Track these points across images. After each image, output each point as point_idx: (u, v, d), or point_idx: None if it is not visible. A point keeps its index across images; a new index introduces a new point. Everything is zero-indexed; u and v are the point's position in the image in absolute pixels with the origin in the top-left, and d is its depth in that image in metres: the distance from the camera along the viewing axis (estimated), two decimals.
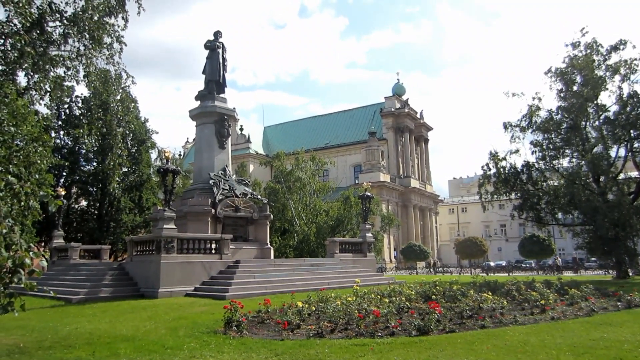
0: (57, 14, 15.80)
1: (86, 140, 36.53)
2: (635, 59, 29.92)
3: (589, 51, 31.07)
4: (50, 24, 15.98)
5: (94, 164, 39.10)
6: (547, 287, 15.98)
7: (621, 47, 30.17)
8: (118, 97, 38.42)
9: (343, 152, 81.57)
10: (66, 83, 17.38)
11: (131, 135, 41.08)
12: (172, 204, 20.24)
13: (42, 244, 36.74)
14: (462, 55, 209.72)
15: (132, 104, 40.12)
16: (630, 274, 31.21)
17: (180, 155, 67.14)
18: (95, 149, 37.84)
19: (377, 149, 73.21)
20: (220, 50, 27.41)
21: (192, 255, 19.97)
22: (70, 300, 17.08)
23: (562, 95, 32.17)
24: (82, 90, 36.40)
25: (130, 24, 17.45)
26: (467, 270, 54.66)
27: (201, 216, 23.37)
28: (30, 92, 16.48)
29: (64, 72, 16.78)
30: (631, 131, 29.67)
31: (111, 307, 15.24)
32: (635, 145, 30.85)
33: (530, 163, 33.40)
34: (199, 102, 27.23)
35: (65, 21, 15.95)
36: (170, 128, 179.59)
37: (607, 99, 31.67)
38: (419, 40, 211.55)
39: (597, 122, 31.80)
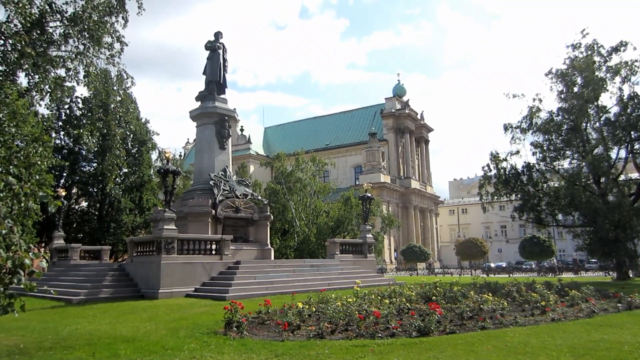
0: (57, 14, 15.82)
1: (87, 141, 36.61)
2: (636, 61, 29.88)
3: (589, 52, 31.04)
4: (51, 24, 16.01)
5: (94, 164, 39.13)
6: (547, 288, 15.95)
7: (622, 48, 30.15)
8: (118, 98, 38.48)
9: (343, 153, 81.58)
10: (66, 83, 17.40)
11: (132, 136, 41.12)
12: (172, 205, 20.24)
13: (43, 244, 36.76)
14: (462, 57, 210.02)
15: (132, 105, 40.15)
16: (631, 276, 31.16)
17: (180, 155, 67.13)
18: (96, 149, 37.89)
19: (378, 149, 73.21)
20: (220, 51, 27.42)
21: (192, 256, 19.96)
22: (71, 301, 17.08)
23: (562, 96, 32.14)
24: (82, 90, 36.44)
25: (131, 24, 17.50)
26: (467, 271, 54.57)
27: (201, 217, 23.36)
28: (31, 92, 16.50)
29: (65, 73, 16.81)
30: (632, 132, 29.65)
31: (111, 308, 15.23)
32: (636, 146, 30.83)
33: (531, 164, 33.38)
34: (199, 103, 27.24)
35: (65, 21, 15.97)
36: (171, 129, 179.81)
37: (608, 100, 31.68)
38: (420, 42, 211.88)
39: (597, 124, 31.77)
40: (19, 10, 14.30)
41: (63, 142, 38.38)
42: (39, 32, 15.51)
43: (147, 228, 38.37)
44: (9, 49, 15.00)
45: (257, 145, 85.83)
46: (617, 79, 30.58)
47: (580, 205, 29.39)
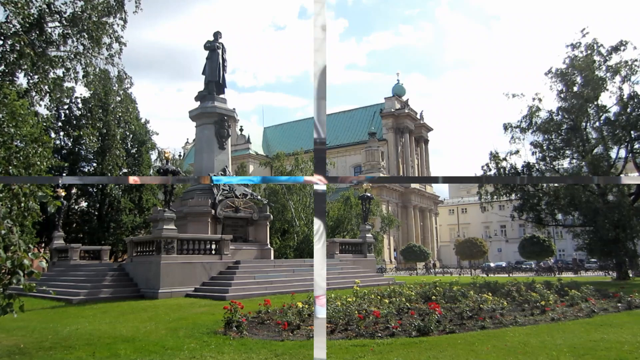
0: (56, 15, 15.82)
1: (87, 141, 36.59)
2: (636, 60, 29.91)
3: (589, 52, 31.05)
4: (50, 24, 16.01)
5: (94, 164, 39.12)
6: (547, 288, 15.96)
7: (622, 48, 30.16)
8: (118, 98, 38.47)
9: (343, 152, 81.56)
10: (66, 84, 17.41)
11: (131, 136, 41.12)
12: (172, 205, 20.25)
13: (43, 244, 36.74)
14: (462, 57, 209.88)
15: (132, 105, 40.12)
16: (631, 275, 31.17)
17: (180, 156, 67.14)
18: (96, 149, 37.88)
19: (377, 149, 73.19)
20: (220, 51, 27.38)
21: (192, 255, 19.96)
22: (71, 301, 17.07)
23: (562, 96, 32.15)
24: (82, 91, 36.52)
25: (131, 25, 17.54)
26: (467, 271, 54.61)
27: (201, 217, 23.36)
28: (30, 92, 16.50)
29: (63, 73, 16.81)
30: (631, 132, 29.68)
31: (111, 308, 15.23)
32: (636, 146, 30.87)
33: (531, 164, 33.39)
34: (198, 103, 27.21)
35: (64, 21, 15.97)
36: (171, 129, 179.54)
37: (608, 99, 31.69)
38: (419, 42, 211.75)
39: (597, 123, 31.78)
40: (18, 11, 14.30)
41: (63, 143, 38.37)
42: (37, 32, 15.52)
43: (147, 228, 38.35)
44: (8, 49, 15.00)
45: (257, 145, 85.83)
46: (617, 78, 30.61)
47: (580, 204, 29.41)
